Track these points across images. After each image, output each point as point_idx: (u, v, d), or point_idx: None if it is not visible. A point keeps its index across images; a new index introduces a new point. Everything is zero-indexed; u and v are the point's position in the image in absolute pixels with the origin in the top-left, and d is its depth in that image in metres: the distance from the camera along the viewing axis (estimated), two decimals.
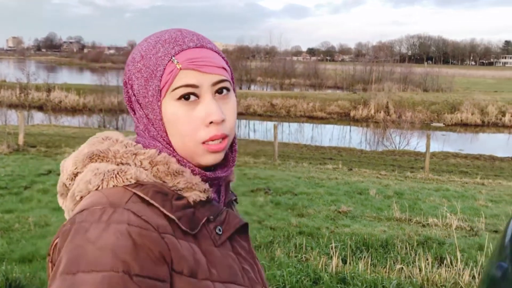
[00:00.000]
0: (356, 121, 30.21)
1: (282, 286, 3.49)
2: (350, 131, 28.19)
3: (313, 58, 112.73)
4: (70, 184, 0.81)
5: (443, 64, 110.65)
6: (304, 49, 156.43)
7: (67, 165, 0.83)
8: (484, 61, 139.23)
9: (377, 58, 56.12)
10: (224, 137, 0.81)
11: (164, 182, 0.79)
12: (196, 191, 0.79)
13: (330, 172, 11.49)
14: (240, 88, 49.93)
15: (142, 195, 0.75)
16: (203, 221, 0.79)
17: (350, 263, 4.10)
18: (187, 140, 0.80)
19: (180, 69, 0.78)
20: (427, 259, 4.25)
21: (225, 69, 0.83)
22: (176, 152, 0.82)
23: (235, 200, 0.98)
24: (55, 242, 0.74)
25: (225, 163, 0.88)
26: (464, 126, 28.10)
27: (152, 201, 0.74)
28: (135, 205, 0.73)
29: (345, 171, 11.92)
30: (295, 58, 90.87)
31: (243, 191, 7.94)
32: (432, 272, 4.00)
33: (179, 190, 0.79)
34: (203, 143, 0.80)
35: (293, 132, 26.48)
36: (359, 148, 20.37)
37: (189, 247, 0.74)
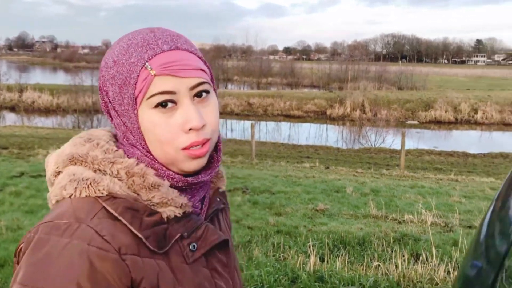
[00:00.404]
0: (332, 120, 30.47)
1: (260, 286, 3.48)
2: (327, 129, 28.42)
3: (290, 57, 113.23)
4: (54, 180, 0.79)
5: (417, 62, 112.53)
6: (280, 48, 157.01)
7: (50, 162, 0.81)
8: (456, 60, 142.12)
9: (352, 57, 56.73)
10: (205, 142, 0.78)
11: (138, 195, 0.76)
12: (171, 206, 0.77)
13: (307, 170, 11.55)
14: (217, 88, 49.72)
15: (111, 210, 0.72)
16: (176, 238, 0.76)
17: (327, 261, 4.12)
18: (166, 148, 0.77)
19: (155, 75, 0.74)
20: (403, 256, 4.30)
21: (203, 70, 0.80)
22: (156, 160, 0.79)
23: (224, 208, 0.94)
24: (20, 247, 0.73)
25: (209, 165, 0.85)
26: (438, 123, 28.63)
27: (120, 218, 0.72)
28: (101, 222, 0.71)
29: (322, 169, 11.99)
30: (271, 57, 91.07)
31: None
32: (408, 268, 4.05)
33: (153, 205, 0.76)
34: (184, 149, 0.77)
35: (270, 131, 26.53)
36: (336, 146, 20.55)
37: (155, 265, 0.72)
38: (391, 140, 20.26)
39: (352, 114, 29.81)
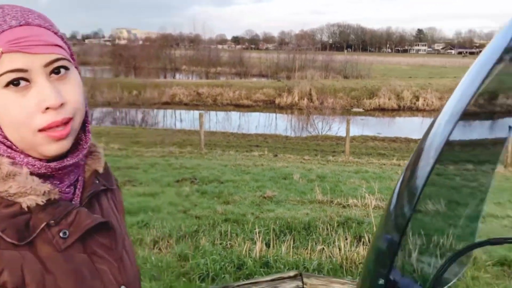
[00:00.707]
0: (281, 109, 30.77)
1: (206, 274, 3.49)
2: (276, 118, 28.65)
3: (238, 46, 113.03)
4: None
5: (362, 51, 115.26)
6: (228, 37, 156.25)
7: None
8: (399, 49, 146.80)
9: (299, 47, 57.34)
10: (67, 121, 0.74)
11: None
12: (32, 195, 0.72)
13: (256, 159, 11.63)
14: (165, 77, 48.94)
15: None
16: (42, 227, 0.72)
17: (273, 247, 4.19)
18: (22, 131, 0.72)
19: (2, 52, 0.69)
20: (347, 239, 4.44)
21: (59, 46, 0.75)
22: (14, 146, 0.74)
23: (107, 190, 0.89)
24: None
25: (77, 147, 0.80)
26: (382, 110, 29.58)
27: None
28: None
29: (271, 157, 12.12)
30: (220, 46, 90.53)
31: (168, 181, 7.83)
32: (351, 250, 4.18)
33: (11, 195, 0.71)
34: (42, 130, 0.72)
35: (220, 121, 26.47)
36: (285, 134, 20.80)
37: (19, 256, 0.69)
38: (337, 128, 20.74)
39: (300, 102, 30.23)
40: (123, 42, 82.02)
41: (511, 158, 11.91)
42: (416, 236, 0.96)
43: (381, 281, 0.77)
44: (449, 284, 1.07)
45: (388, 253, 0.74)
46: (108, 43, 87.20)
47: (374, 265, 0.77)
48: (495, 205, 6.57)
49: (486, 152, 1.05)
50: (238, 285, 2.17)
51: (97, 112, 26.36)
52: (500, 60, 0.65)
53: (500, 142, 1.05)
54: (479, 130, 0.93)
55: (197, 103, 31.57)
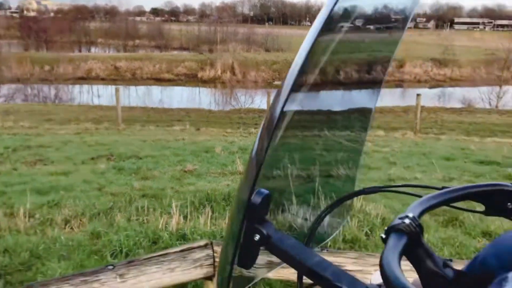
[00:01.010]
0: (204, 82, 30.46)
1: (119, 250, 3.37)
2: (199, 92, 28.34)
3: (158, 18, 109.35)
4: None
5: (282, 25, 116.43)
6: (147, 9, 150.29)
7: None
8: None
9: (221, 19, 56.69)
10: None
11: None
12: None
13: (177, 133, 11.43)
14: (80, 51, 46.47)
15: None
16: None
17: (191, 219, 4.13)
18: None
19: None
20: None
21: None
22: None
23: None
24: None
25: None
26: None
27: None
28: None
29: (193, 132, 11.97)
30: (138, 18, 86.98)
31: (82, 159, 7.47)
32: None
33: None
34: None
35: (140, 96, 25.72)
36: (208, 108, 20.65)
37: None
38: (259, 101, 20.91)
39: (222, 76, 30.09)
40: (32, 14, 76.24)
41: (420, 125, 12.69)
42: (289, 193, 0.96)
43: (257, 237, 0.73)
44: (330, 237, 1.07)
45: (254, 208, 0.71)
46: (15, 14, 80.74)
47: (238, 221, 0.74)
48: (404, 169, 6.97)
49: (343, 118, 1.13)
50: (145, 258, 2.08)
51: (5, 89, 24.54)
52: (323, 30, 0.68)
53: (367, 111, 1.11)
54: (315, 100, 1.00)
55: (115, 77, 30.39)
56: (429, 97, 24.55)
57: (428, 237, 4.09)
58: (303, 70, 0.70)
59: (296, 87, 0.68)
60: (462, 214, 4.57)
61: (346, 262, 2.28)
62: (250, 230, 0.74)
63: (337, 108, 1.10)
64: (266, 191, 0.73)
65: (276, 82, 29.82)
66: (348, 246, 3.92)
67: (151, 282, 2.05)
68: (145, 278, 2.03)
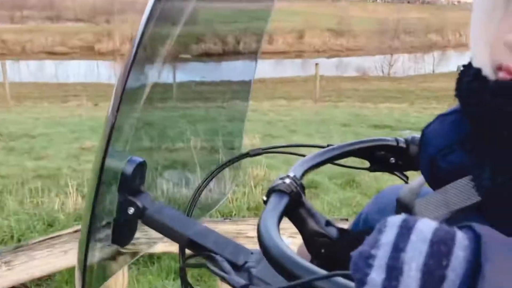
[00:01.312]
0: (102, 55, 28.99)
1: (10, 236, 3.14)
2: (97, 66, 26.98)
3: None
4: None
5: None
6: None
7: None
8: None
9: None
10: None
11: None
12: None
13: (73, 109, 10.82)
14: None
15: None
16: None
17: None
18: None
19: None
20: None
21: None
22: None
23: None
24: None
25: None
26: (208, 55, 29.90)
27: None
28: None
29: (91, 107, 11.39)
30: None
31: None
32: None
33: None
34: None
35: (32, 71, 23.94)
36: (107, 82, 19.74)
37: None
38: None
39: (122, 48, 28.78)
40: None
41: (319, 94, 13.20)
42: (170, 165, 0.95)
43: (131, 210, 0.70)
44: (217, 205, 1.07)
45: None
46: None
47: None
48: (305, 136, 7.24)
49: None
50: (35, 242, 1.96)
51: None
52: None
53: (246, 82, 1.13)
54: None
55: (1, 51, 27.81)
56: (327, 66, 25.58)
57: (328, 199, 4.32)
58: (148, 41, 0.63)
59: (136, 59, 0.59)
60: (359, 175, 4.86)
61: (248, 229, 2.32)
62: (123, 203, 0.70)
63: (214, 78, 1.09)
64: (139, 159, 0.69)
65: (182, 55, 29.28)
66: (252, 213, 4.00)
67: (42, 268, 1.94)
68: (35, 263, 1.91)
